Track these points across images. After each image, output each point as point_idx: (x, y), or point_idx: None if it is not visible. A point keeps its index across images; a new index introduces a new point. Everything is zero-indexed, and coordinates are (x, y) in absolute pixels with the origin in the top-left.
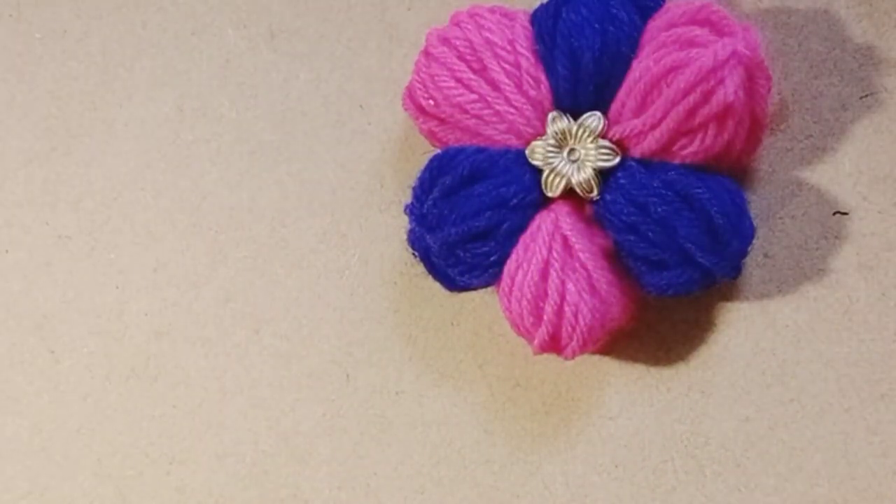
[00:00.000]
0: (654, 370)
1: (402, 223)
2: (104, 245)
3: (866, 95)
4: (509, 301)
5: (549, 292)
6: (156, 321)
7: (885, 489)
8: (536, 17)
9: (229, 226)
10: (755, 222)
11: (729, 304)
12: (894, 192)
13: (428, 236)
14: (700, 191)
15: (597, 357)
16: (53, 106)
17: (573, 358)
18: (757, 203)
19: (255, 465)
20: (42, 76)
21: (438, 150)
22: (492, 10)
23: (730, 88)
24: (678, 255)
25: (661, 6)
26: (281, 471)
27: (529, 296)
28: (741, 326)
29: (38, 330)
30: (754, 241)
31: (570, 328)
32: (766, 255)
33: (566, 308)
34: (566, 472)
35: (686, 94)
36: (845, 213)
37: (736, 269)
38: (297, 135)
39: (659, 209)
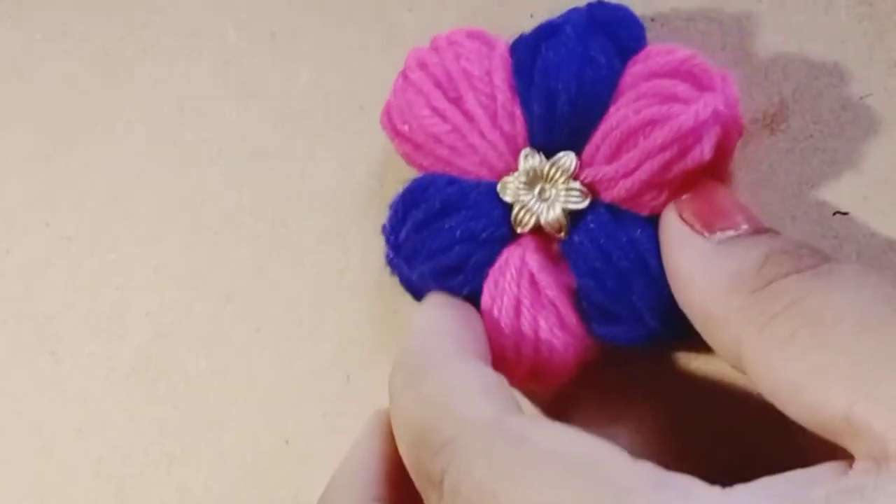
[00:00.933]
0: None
1: None
2: (104, 245)
3: (867, 96)
4: (489, 338)
5: (524, 329)
6: (156, 321)
7: None
8: (516, 49)
9: (229, 226)
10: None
11: None
12: (894, 192)
13: (404, 266)
14: (657, 263)
15: (597, 358)
16: (53, 106)
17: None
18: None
19: (255, 465)
20: (42, 76)
21: (412, 179)
22: (471, 36)
23: (706, 147)
24: (630, 311)
25: (642, 47)
26: (281, 471)
27: (507, 332)
28: None
29: (38, 330)
30: None
31: (544, 364)
32: None
33: (541, 346)
34: None
35: (663, 149)
36: (845, 214)
37: (684, 334)
38: (298, 135)
39: (622, 263)
